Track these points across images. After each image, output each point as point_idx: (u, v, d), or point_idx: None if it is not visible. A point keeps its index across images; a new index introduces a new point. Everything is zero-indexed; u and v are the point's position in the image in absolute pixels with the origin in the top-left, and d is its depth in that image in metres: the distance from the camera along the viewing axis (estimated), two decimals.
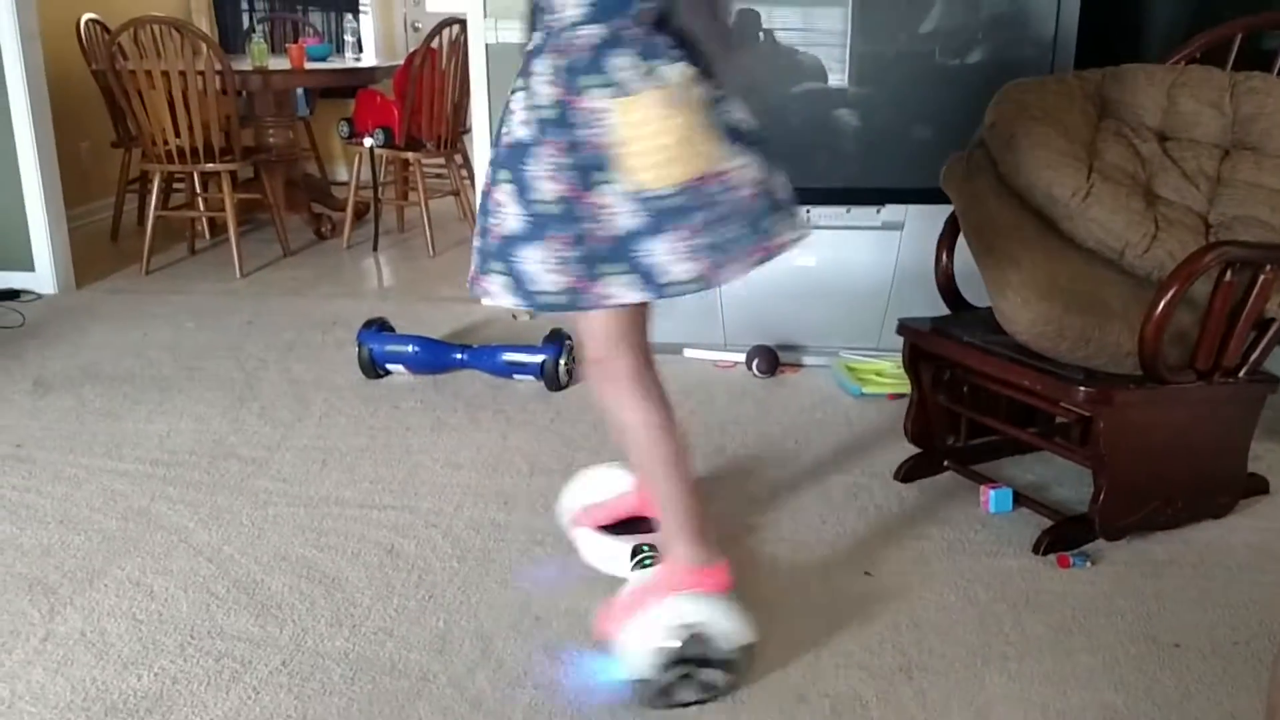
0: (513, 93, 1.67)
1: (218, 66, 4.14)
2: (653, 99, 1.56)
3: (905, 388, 2.61)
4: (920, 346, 2.42)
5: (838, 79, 3.25)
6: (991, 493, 2.36)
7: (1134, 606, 2.02)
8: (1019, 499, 2.37)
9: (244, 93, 4.71)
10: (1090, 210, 2.24)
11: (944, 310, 2.55)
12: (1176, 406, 2.19)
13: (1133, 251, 2.24)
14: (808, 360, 3.33)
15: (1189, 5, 3.10)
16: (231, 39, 6.32)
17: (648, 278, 1.59)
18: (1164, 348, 2.04)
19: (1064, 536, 2.20)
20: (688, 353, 3.41)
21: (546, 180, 1.59)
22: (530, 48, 1.66)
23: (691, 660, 1.69)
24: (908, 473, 2.52)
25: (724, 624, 1.71)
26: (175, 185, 4.91)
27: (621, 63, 1.56)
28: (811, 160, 3.27)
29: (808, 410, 2.98)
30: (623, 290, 1.60)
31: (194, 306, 3.92)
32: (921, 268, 2.79)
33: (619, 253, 1.59)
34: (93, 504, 2.41)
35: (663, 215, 1.57)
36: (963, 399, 2.45)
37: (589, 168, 1.57)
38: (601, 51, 1.56)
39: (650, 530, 1.96)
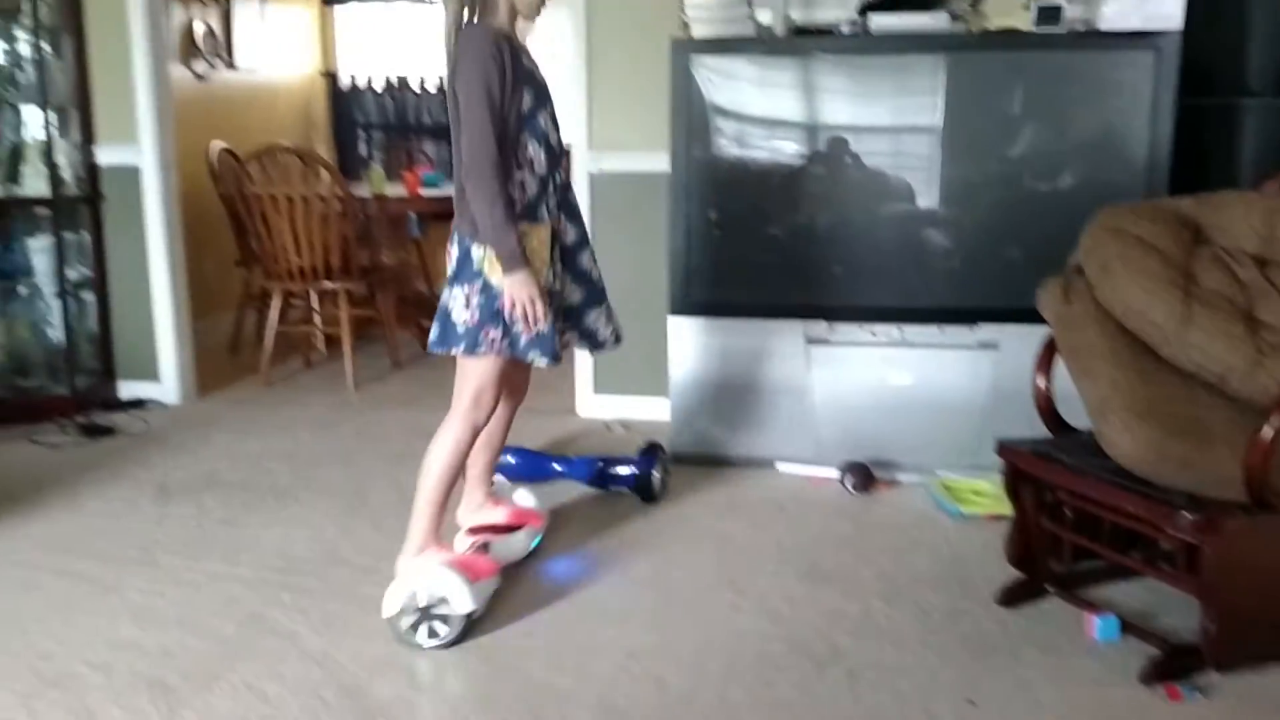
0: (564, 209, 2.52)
1: (338, 192, 4.40)
2: None
3: (1004, 508, 2.60)
4: (1021, 468, 2.42)
5: (928, 201, 3.33)
6: (1097, 619, 2.31)
7: None
8: (1126, 626, 2.32)
9: (362, 216, 4.98)
10: (1189, 335, 2.24)
11: (1042, 429, 2.55)
12: None
13: (1235, 377, 2.22)
14: (903, 477, 3.33)
15: None
16: (349, 165, 6.70)
17: None
18: (1272, 475, 2.01)
19: (1173, 667, 2.14)
20: (780, 467, 3.44)
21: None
22: (565, 179, 2.50)
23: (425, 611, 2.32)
24: (1010, 596, 2.49)
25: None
26: (293, 301, 5.17)
27: None
28: (904, 279, 3.33)
29: (904, 529, 2.98)
30: None
31: (309, 418, 4.10)
32: (1017, 387, 2.80)
33: None
34: (211, 608, 2.52)
35: None
36: (1065, 522, 2.43)
37: None
38: None
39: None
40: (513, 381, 2.61)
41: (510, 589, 2.61)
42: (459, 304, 2.37)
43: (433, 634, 2.31)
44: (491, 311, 2.34)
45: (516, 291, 2.29)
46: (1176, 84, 3.05)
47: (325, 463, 3.56)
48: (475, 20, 2.31)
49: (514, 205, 2.30)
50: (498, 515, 2.81)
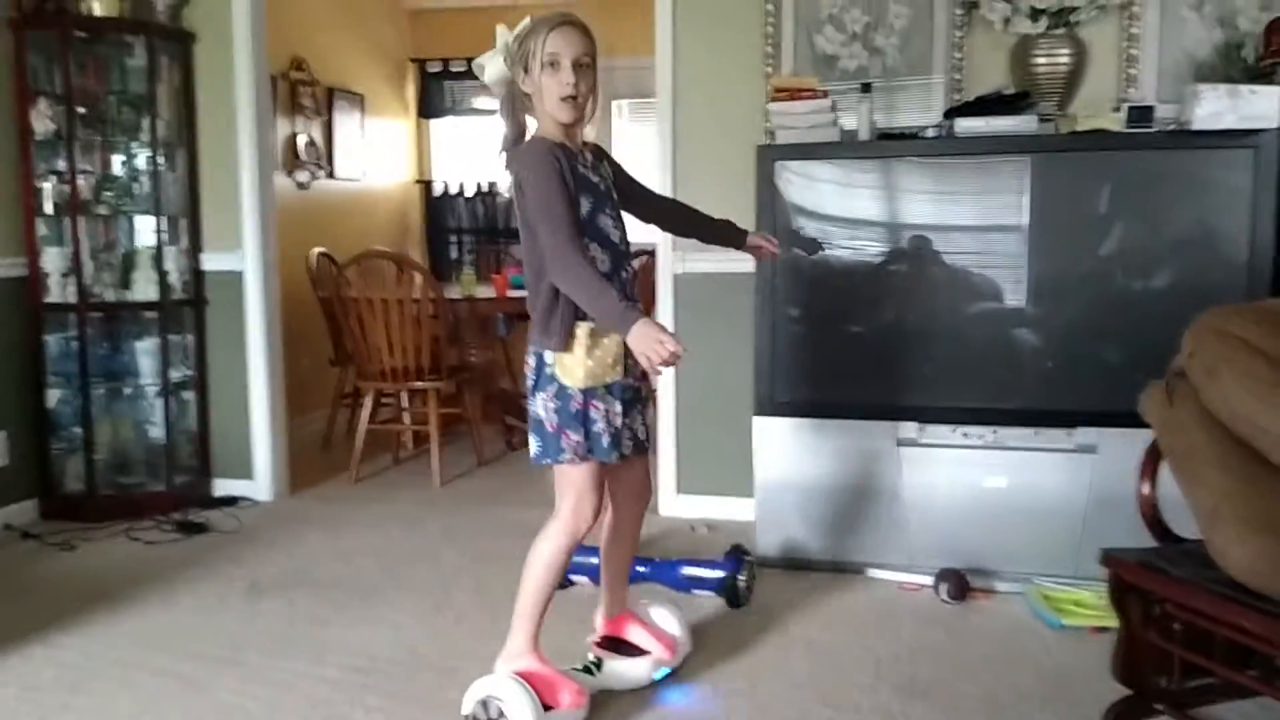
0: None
1: (431, 295, 4.52)
2: None
3: (1108, 620, 2.49)
4: (1127, 580, 2.31)
5: (1020, 301, 3.27)
6: None
7: None
8: None
9: (452, 317, 5.10)
10: None
11: (1145, 536, 2.45)
12: None
13: None
14: (1000, 586, 3.21)
15: None
16: (441, 268, 6.90)
17: None
18: None
19: None
20: (871, 573, 3.35)
21: None
22: (631, 277, 2.44)
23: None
24: (1118, 715, 2.36)
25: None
26: (384, 400, 5.28)
27: None
28: (996, 380, 3.27)
29: (1004, 640, 2.86)
30: None
31: (397, 514, 4.14)
32: (1118, 492, 2.70)
33: None
34: (297, 710, 2.52)
35: None
36: (1175, 636, 2.30)
37: None
38: None
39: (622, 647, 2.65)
40: (624, 481, 2.55)
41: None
42: (544, 411, 2.37)
43: None
44: (569, 414, 2.33)
45: (642, 343, 2.15)
46: (1277, 182, 2.98)
47: (412, 560, 3.58)
48: (525, 135, 2.38)
49: (602, 275, 2.27)
50: (623, 631, 2.68)
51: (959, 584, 3.14)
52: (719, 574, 3.14)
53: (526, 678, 2.31)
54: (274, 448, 4.41)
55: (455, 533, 3.89)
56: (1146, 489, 2.41)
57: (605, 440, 2.35)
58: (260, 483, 4.40)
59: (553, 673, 2.39)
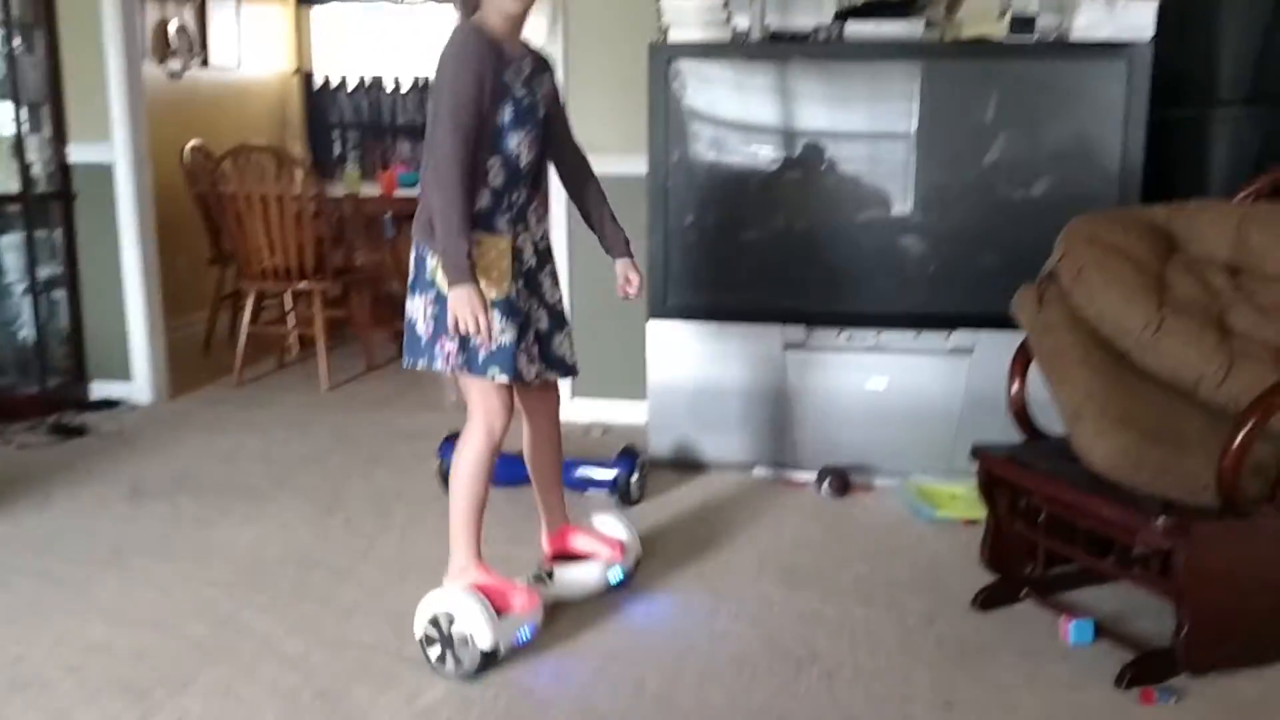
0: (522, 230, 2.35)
1: (312, 192, 4.37)
2: None
3: (979, 512, 2.62)
4: (996, 473, 2.44)
5: (904, 207, 3.35)
6: (1072, 623, 2.34)
7: None
8: (1100, 630, 2.34)
9: (336, 216, 4.95)
10: (1162, 342, 2.27)
11: (1016, 435, 2.58)
12: (1259, 540, 2.17)
13: (1207, 384, 2.25)
14: (879, 481, 3.35)
15: (1255, 140, 3.15)
16: (324, 165, 6.66)
17: None
18: (1244, 480, 2.04)
19: (1147, 670, 2.17)
20: (757, 471, 3.45)
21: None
22: (524, 200, 2.33)
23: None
24: (985, 600, 2.51)
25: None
26: (266, 301, 5.13)
27: None
28: (880, 285, 3.35)
29: (880, 533, 2.99)
30: None
31: (283, 418, 4.07)
32: (992, 392, 2.83)
33: None
34: (184, 610, 2.49)
35: None
36: (1039, 526, 2.45)
37: None
38: None
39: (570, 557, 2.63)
40: (527, 393, 2.47)
41: None
42: (419, 315, 2.29)
43: (457, 661, 2.19)
44: (445, 323, 2.22)
45: (459, 306, 2.13)
46: (1148, 94, 3.09)
47: (299, 464, 3.53)
48: (468, 19, 2.23)
49: (471, 217, 2.17)
50: (568, 543, 2.64)
51: (841, 480, 3.26)
52: (612, 473, 3.19)
53: (476, 589, 2.24)
54: (152, 349, 4.26)
55: (343, 436, 3.84)
56: (1016, 388, 2.53)
57: (481, 355, 2.24)
58: (139, 385, 4.26)
59: (501, 581, 2.33)
